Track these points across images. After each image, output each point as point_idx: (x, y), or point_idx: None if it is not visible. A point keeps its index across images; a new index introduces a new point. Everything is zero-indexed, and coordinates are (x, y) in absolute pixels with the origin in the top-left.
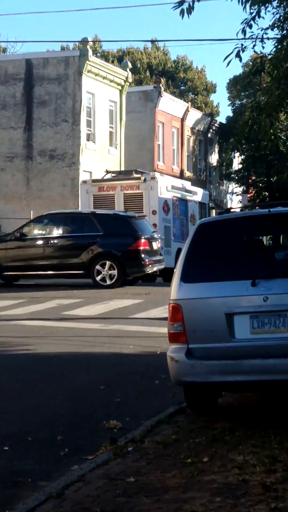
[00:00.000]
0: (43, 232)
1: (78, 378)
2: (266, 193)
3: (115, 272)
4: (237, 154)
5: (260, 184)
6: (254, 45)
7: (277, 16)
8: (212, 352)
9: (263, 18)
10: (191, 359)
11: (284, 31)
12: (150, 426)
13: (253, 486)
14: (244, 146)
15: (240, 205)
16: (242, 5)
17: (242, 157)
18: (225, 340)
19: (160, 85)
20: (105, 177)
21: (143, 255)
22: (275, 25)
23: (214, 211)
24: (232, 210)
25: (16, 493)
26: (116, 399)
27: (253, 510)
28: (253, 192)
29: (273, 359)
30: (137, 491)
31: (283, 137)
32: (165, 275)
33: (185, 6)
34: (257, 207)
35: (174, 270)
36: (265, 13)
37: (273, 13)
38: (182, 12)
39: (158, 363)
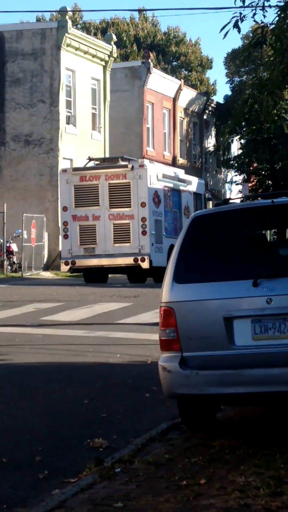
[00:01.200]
0: None
1: (59, 392)
2: (269, 181)
3: None
4: (236, 138)
5: (263, 172)
6: (254, 14)
7: None
8: (209, 361)
9: None
10: (186, 369)
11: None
12: (140, 445)
13: (257, 511)
14: (244, 129)
15: (240, 195)
16: None
17: (242, 141)
18: (224, 348)
19: (149, 60)
20: (87, 165)
21: None
22: None
23: (211, 202)
24: (231, 201)
25: None
26: (102, 414)
27: None
28: (255, 180)
29: (278, 369)
30: None
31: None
32: (157, 275)
33: None
34: (259, 198)
35: (166, 270)
36: None
37: None
38: None
39: (149, 373)
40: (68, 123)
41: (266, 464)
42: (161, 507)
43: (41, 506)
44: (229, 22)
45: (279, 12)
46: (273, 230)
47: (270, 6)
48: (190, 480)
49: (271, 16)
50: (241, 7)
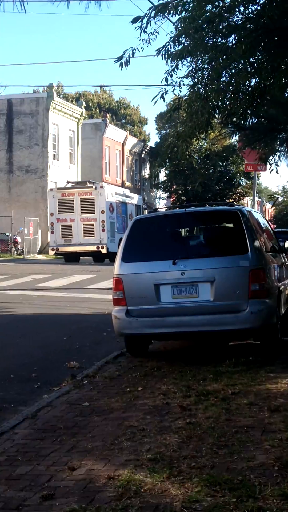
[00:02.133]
0: None
1: (47, 332)
2: (183, 198)
3: None
4: (162, 169)
5: (179, 192)
6: (174, 90)
7: (190, 68)
8: (144, 312)
9: (180, 69)
10: (130, 317)
11: (195, 79)
12: (100, 365)
13: (174, 407)
14: (167, 164)
15: (164, 206)
16: (165, 60)
17: (166, 171)
18: (154, 303)
19: (106, 119)
20: (66, 186)
21: None
22: (189, 75)
23: (146, 211)
24: (158, 209)
25: (0, 416)
26: (75, 346)
27: (174, 424)
28: (174, 197)
29: (188, 316)
30: (90, 412)
31: (195, 157)
32: (111, 257)
33: (123, 60)
34: (177, 207)
35: (117, 254)
36: (181, 66)
37: (187, 66)
38: (121, 65)
39: (106, 320)
40: (54, 158)
41: (180, 377)
42: (113, 405)
43: (35, 405)
44: (157, 95)
45: (189, 89)
46: (186, 229)
47: (184, 85)
48: (131, 388)
49: (184, 91)
50: (165, 85)
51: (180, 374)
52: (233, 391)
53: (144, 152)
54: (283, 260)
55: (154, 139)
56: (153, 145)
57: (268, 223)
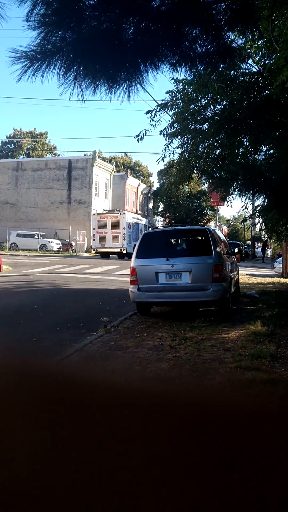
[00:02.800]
0: None
1: (90, 300)
2: (173, 221)
3: None
4: (161, 204)
5: (170, 217)
6: (169, 155)
7: (180, 142)
8: (149, 289)
9: (173, 143)
10: (140, 291)
11: (182, 149)
12: (121, 320)
13: (166, 346)
14: (164, 200)
15: (162, 225)
16: (164, 137)
17: (162, 206)
18: (154, 284)
19: (127, 173)
20: (102, 212)
21: None
22: (179, 147)
23: (150, 228)
24: (158, 227)
25: (62, 349)
26: (106, 308)
27: (165, 356)
28: (167, 220)
29: (175, 292)
30: (115, 348)
31: (181, 197)
32: (129, 256)
33: (139, 137)
34: (169, 226)
35: (133, 253)
36: (174, 141)
37: (178, 141)
38: (138, 140)
39: (125, 293)
40: (95, 195)
41: (170, 328)
42: (129, 344)
43: (82, 343)
44: (160, 158)
45: (179, 155)
46: (174, 239)
47: (176, 152)
48: (140, 334)
49: (176, 156)
50: (164, 152)
51: (170, 326)
52: (202, 338)
53: (149, 193)
54: (233, 260)
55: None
56: (155, 189)
57: (224, 237)
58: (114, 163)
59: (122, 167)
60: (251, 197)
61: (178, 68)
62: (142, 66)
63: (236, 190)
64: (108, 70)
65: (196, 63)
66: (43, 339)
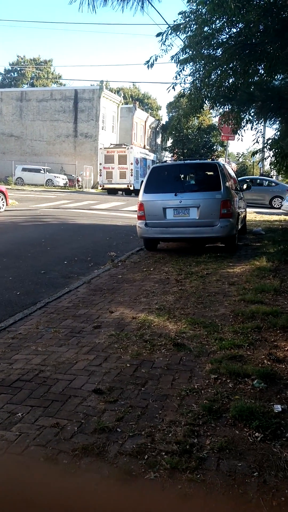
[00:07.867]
0: None
1: (97, 235)
2: (182, 157)
3: None
4: (170, 139)
5: (179, 153)
6: (181, 83)
7: (191, 70)
8: (156, 224)
9: (185, 70)
10: (147, 227)
11: (194, 77)
12: (128, 255)
13: (172, 280)
14: (173, 133)
15: (170, 161)
16: (176, 64)
17: (171, 141)
18: (162, 219)
19: (135, 105)
20: (110, 147)
21: None
22: (191, 74)
23: (158, 163)
24: (167, 161)
25: (69, 281)
26: (114, 243)
27: (171, 290)
28: (176, 156)
29: (182, 228)
30: (122, 281)
31: (190, 131)
32: (136, 192)
33: (150, 63)
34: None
35: (140, 189)
36: (186, 68)
37: (189, 69)
38: (148, 66)
39: (132, 229)
40: (102, 129)
41: (176, 263)
42: (136, 277)
43: (89, 275)
44: (170, 86)
45: (191, 84)
46: (183, 174)
47: (187, 82)
48: (147, 268)
49: (187, 85)
50: (174, 82)
51: (176, 262)
52: (207, 272)
53: (158, 127)
54: (241, 196)
55: (164, 119)
56: (164, 123)
57: (234, 173)
58: (122, 95)
59: (130, 99)
60: (267, 123)
61: None
62: None
63: (252, 114)
64: None
65: None
66: (51, 271)
